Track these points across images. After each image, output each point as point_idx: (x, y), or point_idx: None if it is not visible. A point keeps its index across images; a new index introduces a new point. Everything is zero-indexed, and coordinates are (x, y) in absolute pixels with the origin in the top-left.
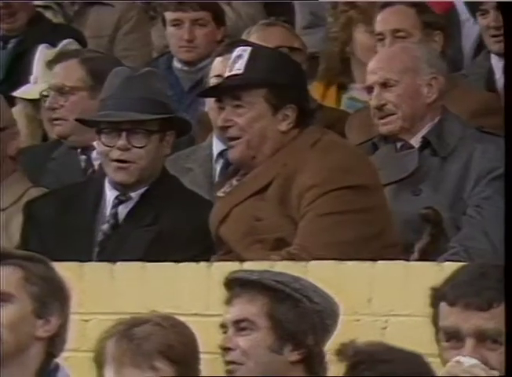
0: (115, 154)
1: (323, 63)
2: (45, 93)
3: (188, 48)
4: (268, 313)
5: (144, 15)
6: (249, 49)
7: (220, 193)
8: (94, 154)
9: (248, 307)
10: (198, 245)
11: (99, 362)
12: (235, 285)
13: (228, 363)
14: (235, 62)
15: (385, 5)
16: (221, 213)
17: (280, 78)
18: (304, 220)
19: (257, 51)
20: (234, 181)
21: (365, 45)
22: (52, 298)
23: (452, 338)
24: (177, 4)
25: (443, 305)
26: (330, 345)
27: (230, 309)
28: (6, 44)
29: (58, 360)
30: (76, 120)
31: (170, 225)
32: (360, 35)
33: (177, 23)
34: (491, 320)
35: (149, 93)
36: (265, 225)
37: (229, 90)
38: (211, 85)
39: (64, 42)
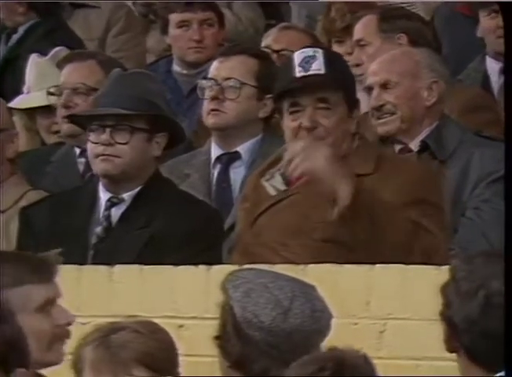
0: (99, 149)
1: None
2: (52, 90)
3: (198, 49)
4: None
5: (133, 14)
6: (320, 49)
7: (264, 182)
8: None
9: None
10: (191, 247)
11: (77, 369)
12: None
13: None
14: (309, 62)
15: (358, 19)
16: (266, 202)
17: (352, 81)
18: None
19: (327, 53)
20: (276, 173)
21: None
22: None
23: None
24: (185, 5)
25: None
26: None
27: None
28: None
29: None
30: (67, 117)
31: (162, 228)
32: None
33: (184, 24)
34: None
35: (137, 91)
36: (320, 214)
37: (314, 90)
38: (291, 87)
39: (56, 49)
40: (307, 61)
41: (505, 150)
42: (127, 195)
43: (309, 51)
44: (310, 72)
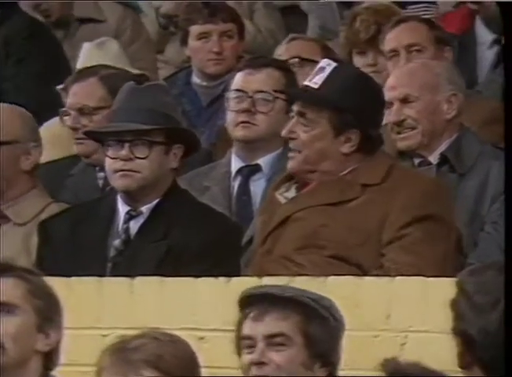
0: (118, 164)
1: None
2: (64, 113)
3: (217, 60)
4: (301, 330)
5: (140, 22)
6: (333, 64)
7: (278, 195)
8: None
9: (283, 323)
10: (209, 259)
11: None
12: (264, 300)
13: None
14: (317, 74)
15: (397, 23)
16: (281, 215)
17: (349, 102)
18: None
19: (340, 68)
20: (292, 186)
21: None
22: (52, 313)
23: None
24: (207, 16)
25: None
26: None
27: (259, 324)
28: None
29: (56, 374)
30: (84, 133)
31: (180, 240)
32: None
33: (203, 36)
34: None
35: (153, 104)
36: (329, 232)
37: (301, 101)
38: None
39: (102, 39)
40: (317, 72)
41: (505, 158)
42: (145, 208)
43: (325, 62)
44: (309, 84)
